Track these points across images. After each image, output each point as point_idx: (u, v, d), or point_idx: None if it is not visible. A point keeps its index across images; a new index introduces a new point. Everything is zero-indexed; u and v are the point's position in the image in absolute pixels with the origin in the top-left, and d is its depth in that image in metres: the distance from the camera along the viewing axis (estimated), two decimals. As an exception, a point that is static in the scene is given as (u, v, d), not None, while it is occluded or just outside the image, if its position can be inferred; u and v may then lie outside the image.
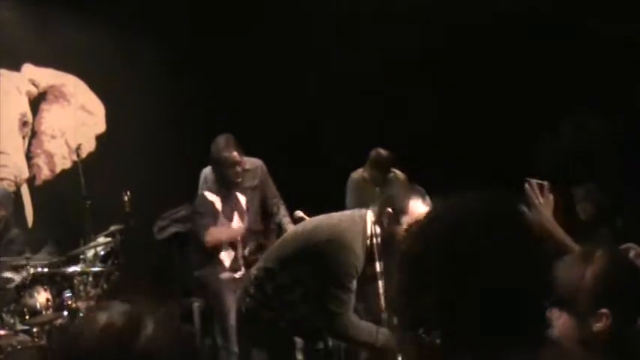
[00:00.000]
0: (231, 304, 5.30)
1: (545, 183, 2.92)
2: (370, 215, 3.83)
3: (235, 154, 5.62)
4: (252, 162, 6.52)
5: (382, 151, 6.85)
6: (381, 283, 3.84)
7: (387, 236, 3.73)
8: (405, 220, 3.65)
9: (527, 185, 2.91)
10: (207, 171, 6.40)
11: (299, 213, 5.63)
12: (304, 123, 7.92)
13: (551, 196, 2.92)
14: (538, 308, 1.47)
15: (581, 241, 2.79)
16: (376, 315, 3.91)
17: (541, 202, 2.89)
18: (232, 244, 5.59)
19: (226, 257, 5.56)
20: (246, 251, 5.72)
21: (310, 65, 7.82)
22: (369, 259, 3.77)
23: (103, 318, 1.45)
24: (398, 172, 6.97)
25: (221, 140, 6.25)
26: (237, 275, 5.53)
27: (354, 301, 3.78)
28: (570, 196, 6.08)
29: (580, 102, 7.30)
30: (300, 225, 4.32)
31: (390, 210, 3.73)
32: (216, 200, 5.58)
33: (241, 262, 5.62)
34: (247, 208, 5.82)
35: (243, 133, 6.47)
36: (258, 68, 7.61)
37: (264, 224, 6.33)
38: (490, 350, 1.42)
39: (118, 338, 1.40)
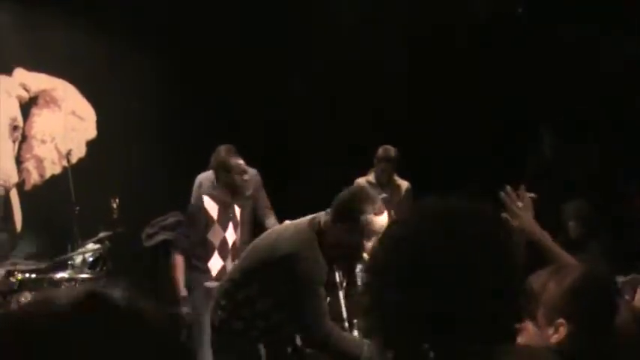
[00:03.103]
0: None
1: (522, 186, 2.82)
2: (324, 221, 3.77)
3: (242, 162, 5.62)
4: (247, 171, 6.54)
5: (389, 147, 6.86)
6: (341, 293, 3.86)
7: (340, 244, 3.70)
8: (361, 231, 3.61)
9: (502, 193, 2.77)
10: (202, 177, 6.41)
11: (287, 223, 5.64)
12: (293, 131, 7.94)
13: (527, 198, 2.78)
14: (503, 311, 1.48)
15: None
16: (341, 324, 3.88)
17: (519, 207, 2.75)
18: (222, 254, 5.52)
19: (214, 266, 5.49)
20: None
21: (300, 71, 7.85)
22: (330, 267, 3.76)
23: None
24: (403, 180, 6.97)
25: (223, 149, 6.29)
26: (211, 285, 5.38)
27: (327, 309, 3.75)
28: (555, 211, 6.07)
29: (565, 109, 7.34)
30: (263, 237, 4.22)
31: (341, 218, 3.69)
32: (213, 208, 5.52)
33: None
34: (241, 220, 5.77)
35: (234, 139, 6.49)
36: (249, 75, 7.62)
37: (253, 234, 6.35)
38: (453, 350, 1.45)
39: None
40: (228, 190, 5.58)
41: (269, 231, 4.26)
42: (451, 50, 7.62)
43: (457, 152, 7.53)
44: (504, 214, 2.68)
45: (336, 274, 3.79)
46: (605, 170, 7.23)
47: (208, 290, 5.44)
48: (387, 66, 7.70)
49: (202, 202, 5.52)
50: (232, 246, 5.63)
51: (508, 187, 2.79)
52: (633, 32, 6.90)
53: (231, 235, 5.59)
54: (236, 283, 3.93)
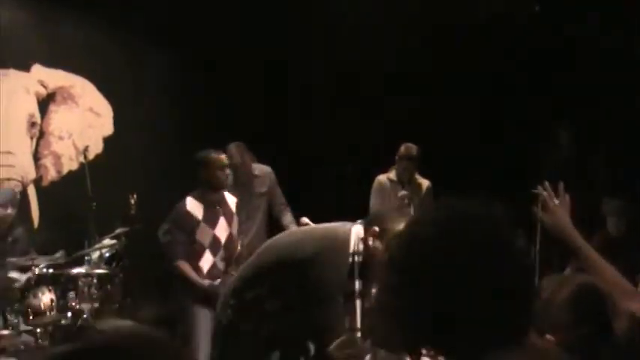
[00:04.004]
0: (203, 313, 5.27)
1: (560, 185, 2.80)
2: (356, 231, 3.76)
3: (223, 157, 5.52)
4: (261, 169, 6.53)
5: (411, 145, 6.78)
6: (358, 302, 3.80)
7: (369, 255, 3.68)
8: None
9: (539, 187, 2.75)
10: None
11: (304, 220, 5.63)
12: (311, 129, 7.93)
13: (567, 197, 2.75)
14: (519, 312, 1.48)
15: (612, 256, 2.69)
16: (353, 333, 3.81)
17: (556, 204, 2.71)
18: (213, 251, 5.46)
19: (205, 264, 5.43)
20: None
21: (316, 66, 7.84)
22: (350, 276, 3.72)
23: None
24: (424, 179, 6.91)
25: (234, 146, 6.29)
26: (216, 283, 5.40)
27: (344, 317, 3.70)
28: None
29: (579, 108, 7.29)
30: (281, 236, 4.22)
31: (375, 229, 3.68)
32: (197, 208, 5.42)
33: (221, 268, 5.50)
34: (237, 212, 5.69)
35: (251, 136, 6.51)
36: (266, 71, 7.63)
37: (269, 230, 6.37)
38: (472, 351, 1.44)
39: None
40: (212, 186, 5.48)
41: (291, 230, 4.21)
42: (452, 50, 7.58)
43: (457, 152, 7.49)
44: (538, 210, 2.70)
45: (356, 283, 3.74)
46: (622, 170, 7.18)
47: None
48: (387, 66, 7.66)
49: (185, 204, 5.41)
50: (228, 239, 5.54)
51: (546, 183, 2.77)
52: (633, 32, 6.84)
53: (223, 230, 5.50)
54: (246, 282, 3.88)
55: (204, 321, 5.27)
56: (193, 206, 5.41)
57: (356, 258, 3.70)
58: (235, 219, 5.63)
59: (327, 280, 3.65)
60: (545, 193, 2.74)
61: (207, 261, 5.43)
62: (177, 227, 5.39)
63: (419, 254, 1.50)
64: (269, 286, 3.78)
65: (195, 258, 5.41)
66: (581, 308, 2.24)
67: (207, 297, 5.28)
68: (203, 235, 5.40)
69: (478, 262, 1.44)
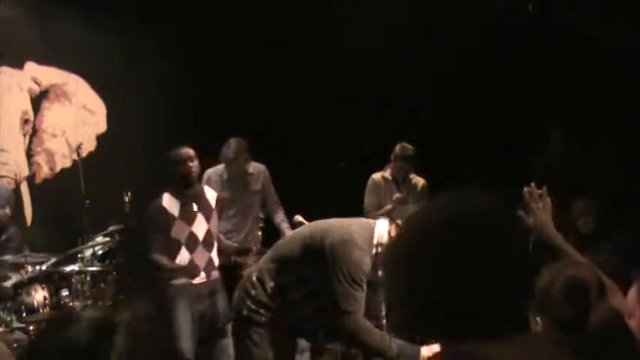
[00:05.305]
0: (184, 310, 5.26)
1: (543, 188, 2.91)
2: (381, 225, 3.87)
3: (187, 150, 5.45)
4: (255, 167, 6.51)
5: (407, 145, 6.76)
6: (380, 291, 3.88)
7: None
8: None
9: (525, 189, 2.89)
10: (210, 172, 6.39)
11: (298, 218, 5.63)
12: (311, 129, 7.91)
13: (548, 200, 2.91)
14: (517, 303, 1.49)
15: (583, 252, 2.86)
16: (377, 323, 3.91)
17: (539, 207, 2.87)
18: (190, 248, 5.40)
19: (182, 261, 5.39)
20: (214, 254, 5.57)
21: (314, 66, 7.82)
22: (374, 268, 3.81)
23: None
24: (419, 177, 6.90)
25: (233, 141, 6.27)
26: (195, 281, 5.39)
27: (364, 303, 3.79)
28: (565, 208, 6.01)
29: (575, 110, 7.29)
30: (305, 227, 4.31)
31: (399, 222, 3.75)
32: (173, 205, 5.38)
33: (202, 267, 5.45)
34: (218, 207, 5.64)
35: (245, 135, 6.48)
36: (262, 71, 7.60)
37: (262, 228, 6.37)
38: (468, 341, 1.43)
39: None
40: (183, 180, 5.43)
41: (317, 222, 4.22)
42: (452, 50, 7.56)
43: (456, 152, 7.48)
44: (520, 211, 2.81)
45: (379, 273, 3.80)
46: (616, 170, 7.19)
47: (178, 287, 5.39)
48: (387, 66, 7.64)
49: (161, 200, 5.38)
50: (206, 235, 5.48)
51: (532, 185, 2.92)
52: (633, 31, 6.85)
53: (201, 227, 5.45)
54: (273, 272, 3.96)
55: (183, 313, 5.26)
56: (169, 202, 5.39)
57: (379, 249, 3.79)
58: (215, 214, 5.58)
59: (358, 263, 3.75)
60: (528, 196, 2.89)
61: (183, 258, 5.39)
62: (152, 223, 5.37)
63: (420, 243, 1.49)
64: (296, 274, 3.88)
65: (171, 255, 5.37)
66: (570, 294, 2.48)
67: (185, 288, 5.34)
68: (178, 232, 5.36)
69: (480, 254, 1.44)
